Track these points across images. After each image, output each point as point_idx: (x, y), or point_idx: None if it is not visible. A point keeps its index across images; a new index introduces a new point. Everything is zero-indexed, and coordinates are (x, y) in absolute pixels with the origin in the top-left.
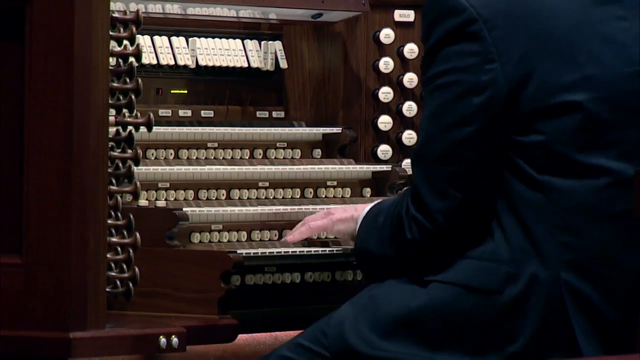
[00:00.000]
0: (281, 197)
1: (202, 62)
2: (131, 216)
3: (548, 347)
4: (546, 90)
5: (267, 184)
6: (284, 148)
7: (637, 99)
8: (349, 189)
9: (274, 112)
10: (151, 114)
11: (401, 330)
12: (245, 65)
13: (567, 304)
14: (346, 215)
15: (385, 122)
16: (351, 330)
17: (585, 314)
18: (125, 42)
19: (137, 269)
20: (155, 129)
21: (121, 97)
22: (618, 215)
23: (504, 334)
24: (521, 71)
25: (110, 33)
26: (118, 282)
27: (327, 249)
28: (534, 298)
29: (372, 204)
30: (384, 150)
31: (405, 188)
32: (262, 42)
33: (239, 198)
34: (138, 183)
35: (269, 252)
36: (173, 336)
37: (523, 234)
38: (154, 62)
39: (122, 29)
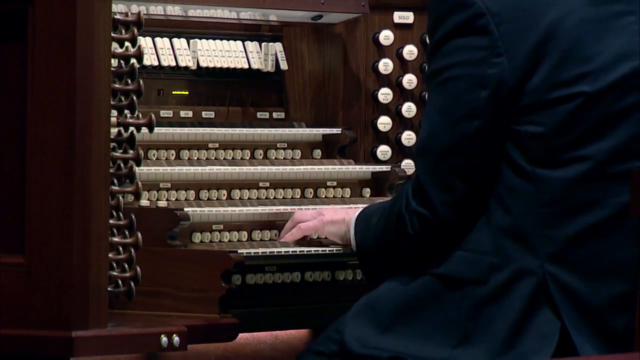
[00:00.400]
0: (281, 197)
1: (203, 64)
2: (133, 216)
3: (536, 337)
4: (549, 84)
5: (267, 184)
6: (284, 149)
7: (637, 94)
8: (348, 190)
9: (274, 113)
10: (152, 115)
11: (397, 326)
12: (246, 66)
13: (554, 295)
14: (337, 217)
15: (384, 122)
16: (348, 331)
17: (573, 306)
18: (127, 43)
19: (138, 269)
20: (156, 129)
21: (123, 98)
22: (603, 205)
23: (488, 323)
24: (527, 65)
25: (112, 35)
26: (120, 282)
27: (327, 248)
28: (519, 289)
29: (361, 208)
30: (384, 150)
31: (400, 186)
32: (263, 44)
33: (240, 198)
34: (139, 183)
35: (270, 252)
36: (174, 335)
37: (510, 225)
38: (156, 63)
39: (123, 31)
